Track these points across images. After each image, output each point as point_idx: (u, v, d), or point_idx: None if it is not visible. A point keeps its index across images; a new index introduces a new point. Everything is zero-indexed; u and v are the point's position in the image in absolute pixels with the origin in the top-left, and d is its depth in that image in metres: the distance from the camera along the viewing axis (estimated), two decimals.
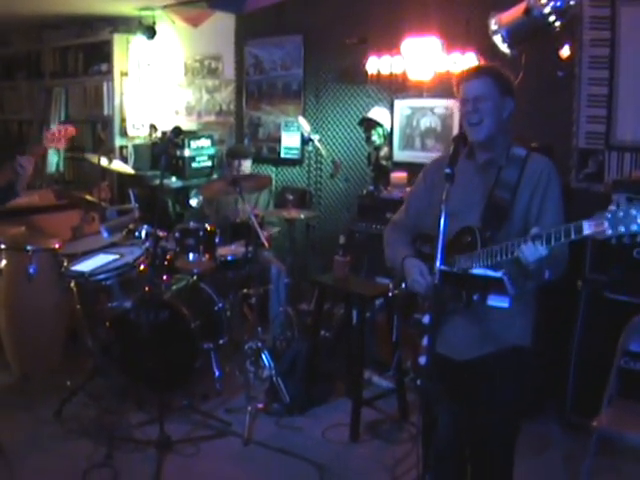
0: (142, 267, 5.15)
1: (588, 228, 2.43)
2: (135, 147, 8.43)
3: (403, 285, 3.22)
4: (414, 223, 3.32)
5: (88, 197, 6.65)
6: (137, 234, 5.47)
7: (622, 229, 2.33)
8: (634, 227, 2.31)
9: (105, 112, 8.84)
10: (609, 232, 2.35)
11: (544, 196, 2.95)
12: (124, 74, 8.76)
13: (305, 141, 6.73)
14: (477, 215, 2.96)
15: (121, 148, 8.68)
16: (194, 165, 7.65)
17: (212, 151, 7.85)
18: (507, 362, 3.03)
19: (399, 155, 6.38)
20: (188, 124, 8.21)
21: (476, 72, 3.05)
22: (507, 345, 3.03)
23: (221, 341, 5.29)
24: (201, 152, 7.73)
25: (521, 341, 3.06)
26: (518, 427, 3.23)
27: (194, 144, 7.65)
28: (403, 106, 6.33)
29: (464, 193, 2.74)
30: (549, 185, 2.96)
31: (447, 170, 2.67)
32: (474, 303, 2.81)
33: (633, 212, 2.31)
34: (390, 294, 3.47)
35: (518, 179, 2.96)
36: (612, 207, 2.36)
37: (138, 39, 8.46)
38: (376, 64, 6.15)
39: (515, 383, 3.08)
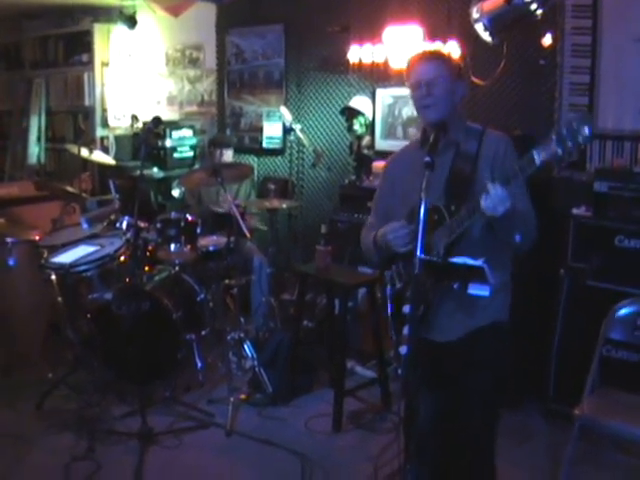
0: (123, 258, 5.12)
1: (538, 155, 2.46)
2: (116, 138, 8.40)
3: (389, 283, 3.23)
4: (385, 222, 3.27)
5: (68, 188, 6.60)
6: (118, 225, 5.44)
7: (570, 144, 2.37)
8: (580, 138, 2.36)
9: (86, 102, 8.82)
10: (559, 151, 2.39)
11: (503, 165, 2.94)
12: (105, 64, 8.72)
13: (287, 131, 6.70)
14: (443, 194, 2.98)
15: (102, 139, 8.65)
16: (176, 155, 7.63)
17: (194, 141, 7.84)
18: (486, 338, 3.06)
19: (381, 144, 6.37)
20: (170, 114, 8.18)
21: (427, 55, 3.09)
22: (486, 322, 3.06)
23: (203, 332, 5.26)
24: (183, 142, 7.71)
25: (499, 316, 3.11)
26: (498, 411, 3.25)
27: (176, 134, 7.63)
28: (385, 95, 6.32)
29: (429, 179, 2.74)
30: (506, 156, 2.98)
31: (427, 159, 2.68)
32: (454, 291, 2.80)
33: (575, 125, 2.36)
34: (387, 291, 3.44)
35: (477, 151, 2.99)
36: (555, 129, 2.44)
37: (119, 29, 8.44)
38: (358, 53, 6.14)
39: (494, 359, 3.11)
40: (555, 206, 4.85)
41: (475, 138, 3.03)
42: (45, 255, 5.14)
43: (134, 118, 8.29)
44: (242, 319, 5.47)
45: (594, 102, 5.05)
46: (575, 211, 4.56)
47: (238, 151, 7.22)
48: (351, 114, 6.26)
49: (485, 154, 2.99)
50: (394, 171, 3.32)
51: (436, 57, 3.08)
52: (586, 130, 2.35)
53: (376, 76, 6.25)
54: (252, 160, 7.49)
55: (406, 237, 2.98)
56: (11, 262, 5.22)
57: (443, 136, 2.89)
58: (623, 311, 3.90)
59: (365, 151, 6.25)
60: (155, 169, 7.56)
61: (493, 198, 2.59)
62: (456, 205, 2.89)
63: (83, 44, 8.79)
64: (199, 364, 5.16)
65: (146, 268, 5.46)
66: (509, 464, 4.02)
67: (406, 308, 2.84)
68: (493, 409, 3.22)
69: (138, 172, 4.90)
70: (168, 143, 7.53)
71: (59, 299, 5.11)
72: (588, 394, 3.81)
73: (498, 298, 3.03)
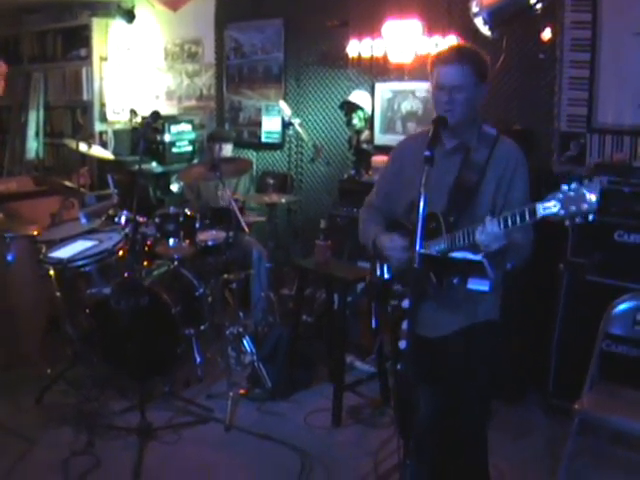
0: (121, 253, 5.11)
1: (542, 210, 2.44)
2: (115, 132, 8.40)
3: (378, 272, 3.23)
4: (386, 206, 3.33)
5: (67, 183, 6.59)
6: (117, 220, 5.41)
7: (573, 208, 2.35)
8: (585, 206, 2.33)
9: (85, 97, 8.80)
10: (561, 212, 2.38)
11: (511, 184, 2.95)
12: (103, 59, 8.70)
13: (286, 125, 6.71)
14: (445, 200, 2.96)
15: (101, 133, 8.64)
16: (174, 150, 7.62)
17: (193, 136, 7.83)
18: (479, 335, 3.08)
19: (380, 139, 6.37)
20: (168, 109, 8.17)
21: (455, 57, 2.93)
22: (479, 319, 3.08)
23: (202, 327, 5.24)
24: (181, 137, 7.70)
25: (491, 315, 3.13)
26: (490, 406, 3.27)
27: (174, 129, 7.62)
28: (384, 89, 6.31)
29: (434, 178, 2.72)
30: (516, 172, 2.97)
31: (427, 153, 2.62)
32: (453, 286, 2.80)
33: (583, 191, 2.33)
34: (366, 282, 3.46)
35: (487, 159, 2.96)
36: (564, 187, 2.38)
37: (117, 23, 8.43)
38: (357, 47, 6.12)
39: (488, 355, 3.14)
40: None
41: (487, 145, 2.99)
42: (43, 250, 5.13)
43: (133, 113, 8.28)
44: (241, 314, 5.46)
45: (593, 96, 5.04)
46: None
47: (237, 146, 7.21)
48: (350, 108, 6.25)
49: (495, 165, 2.96)
50: (403, 157, 3.26)
51: (465, 60, 2.91)
52: (593, 199, 2.31)
53: (375, 70, 6.24)
54: (251, 155, 7.49)
55: (401, 252, 3.01)
56: (10, 257, 5.22)
57: (443, 130, 2.87)
58: (623, 306, 3.90)
59: (364, 146, 6.25)
60: (154, 164, 7.55)
61: (489, 234, 2.60)
62: (455, 217, 2.89)
63: (81, 39, 8.77)
64: (198, 359, 5.15)
65: (145, 263, 5.45)
66: (509, 458, 4.03)
67: (405, 303, 2.84)
68: (487, 405, 3.25)
69: (137, 167, 4.90)
70: (167, 138, 7.53)
71: (58, 294, 5.09)
72: (588, 389, 3.81)
73: (490, 297, 3.04)
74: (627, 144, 4.93)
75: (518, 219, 2.53)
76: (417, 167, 2.76)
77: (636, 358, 4.24)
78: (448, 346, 3.10)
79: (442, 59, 2.97)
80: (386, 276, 3.22)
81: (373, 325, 4.67)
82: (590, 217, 2.35)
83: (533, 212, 2.47)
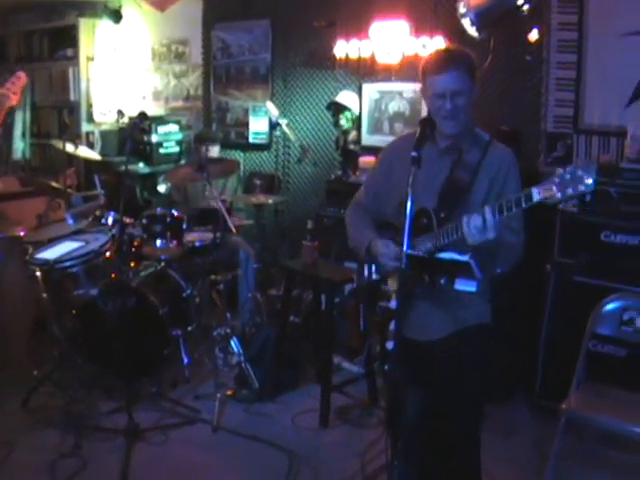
0: (108, 254, 5.09)
1: (537, 194, 2.41)
2: (102, 133, 8.37)
3: (366, 273, 3.23)
4: (375, 206, 3.31)
5: (53, 184, 6.56)
6: (103, 221, 5.41)
7: (570, 191, 2.33)
8: (581, 187, 2.31)
9: (71, 97, 8.77)
10: (558, 195, 2.36)
11: (504, 186, 2.94)
12: (90, 59, 8.67)
13: (273, 126, 6.71)
14: (436, 198, 2.94)
15: (88, 134, 8.61)
16: (162, 151, 7.60)
17: (180, 136, 7.80)
18: (471, 340, 3.07)
19: (367, 139, 6.37)
20: (156, 109, 8.15)
21: (451, 64, 2.88)
22: (470, 324, 3.07)
23: (190, 328, 5.23)
24: (169, 137, 7.68)
25: (482, 319, 3.12)
26: (482, 409, 3.26)
27: (161, 129, 7.59)
28: (371, 90, 6.31)
29: (425, 178, 2.72)
30: (509, 175, 2.96)
31: (413, 153, 2.61)
32: (440, 286, 2.79)
33: (579, 173, 2.31)
34: (354, 285, 3.46)
35: (479, 162, 2.95)
36: (559, 170, 2.37)
37: (104, 23, 8.40)
38: (344, 48, 6.12)
39: (479, 360, 3.11)
40: None
41: (480, 148, 2.98)
42: (30, 251, 5.11)
43: (120, 113, 8.24)
44: (228, 315, 5.44)
45: (580, 97, 5.06)
46: (561, 206, 4.55)
47: (224, 146, 7.18)
48: (337, 109, 6.25)
49: (487, 167, 2.95)
50: (392, 158, 3.24)
51: (461, 64, 2.89)
52: (590, 180, 2.29)
53: (362, 71, 6.24)
54: (238, 155, 7.48)
55: (395, 256, 2.97)
56: None
57: (431, 132, 2.85)
58: (609, 306, 3.91)
59: (351, 146, 6.25)
60: (141, 164, 7.53)
61: (477, 224, 2.56)
62: (446, 213, 2.87)
63: (68, 39, 8.73)
64: (185, 360, 5.13)
65: (132, 264, 5.43)
66: (495, 458, 4.02)
67: (392, 303, 2.84)
68: (478, 405, 3.24)
69: (124, 167, 4.88)
70: (154, 138, 7.50)
71: (44, 295, 5.07)
72: (575, 389, 3.82)
73: (479, 301, 3.05)
74: (613, 145, 4.94)
75: (513, 205, 2.49)
76: (406, 168, 2.74)
77: (622, 358, 4.26)
78: (439, 350, 3.09)
79: (437, 68, 2.92)
80: (374, 277, 3.22)
81: (362, 327, 4.69)
82: (587, 198, 2.35)
83: (529, 197, 2.44)
